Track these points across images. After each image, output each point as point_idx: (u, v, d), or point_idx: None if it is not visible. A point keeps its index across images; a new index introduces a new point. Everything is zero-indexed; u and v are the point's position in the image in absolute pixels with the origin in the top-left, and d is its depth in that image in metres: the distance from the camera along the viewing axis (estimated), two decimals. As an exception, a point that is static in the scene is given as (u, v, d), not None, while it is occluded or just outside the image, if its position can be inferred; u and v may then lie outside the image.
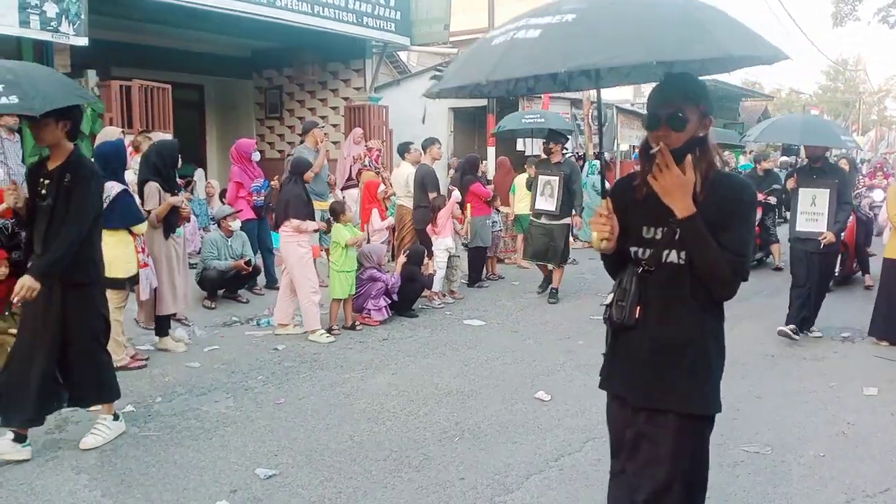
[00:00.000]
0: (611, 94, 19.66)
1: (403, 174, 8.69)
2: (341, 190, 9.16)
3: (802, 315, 6.46)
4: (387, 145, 11.82)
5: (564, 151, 8.62)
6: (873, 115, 53.40)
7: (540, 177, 8.24)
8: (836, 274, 8.09)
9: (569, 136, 8.25)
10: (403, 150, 8.96)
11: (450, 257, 8.29)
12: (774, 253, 10.53)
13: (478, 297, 8.45)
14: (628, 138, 18.13)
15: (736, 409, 4.72)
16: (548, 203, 8.10)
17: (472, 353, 6.04)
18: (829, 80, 51.96)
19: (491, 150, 12.88)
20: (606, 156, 15.80)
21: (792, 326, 6.39)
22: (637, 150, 15.66)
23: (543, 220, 8.20)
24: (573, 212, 8.27)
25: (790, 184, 6.63)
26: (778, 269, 10.10)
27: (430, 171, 8.17)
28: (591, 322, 6.79)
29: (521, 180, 10.24)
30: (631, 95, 20.21)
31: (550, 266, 8.40)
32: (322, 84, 12.88)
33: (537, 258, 8.38)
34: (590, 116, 15.08)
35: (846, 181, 6.54)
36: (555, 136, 8.42)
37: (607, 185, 2.42)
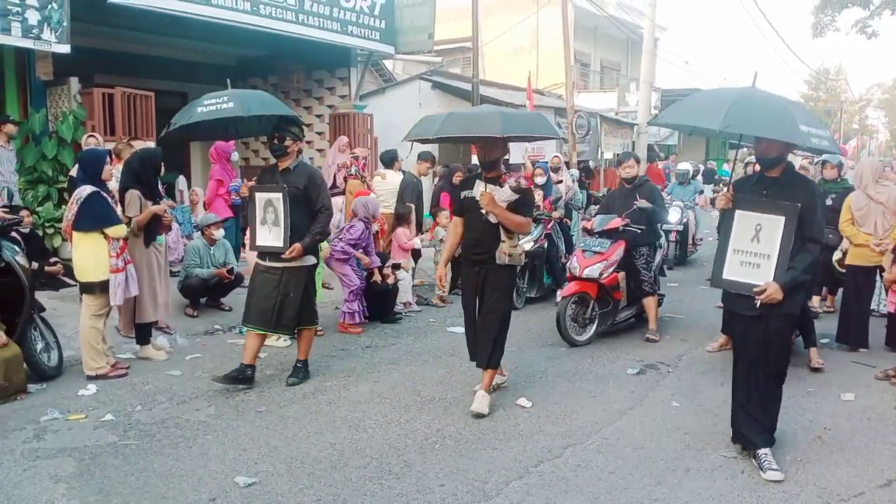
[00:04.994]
0: (596, 103, 19.86)
1: (393, 182, 8.92)
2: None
3: (758, 422, 4.02)
4: (372, 153, 11.86)
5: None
6: (854, 125, 54.01)
7: (257, 195, 5.19)
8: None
9: (301, 125, 5.56)
10: (390, 158, 9.15)
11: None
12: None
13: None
14: (612, 147, 18.29)
15: (715, 414, 4.77)
16: (273, 235, 5.13)
17: (454, 360, 6.05)
18: (810, 89, 52.47)
19: (475, 159, 12.93)
20: (591, 164, 15.88)
21: (735, 449, 4.20)
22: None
23: (269, 262, 5.22)
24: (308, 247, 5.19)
25: (721, 202, 4.14)
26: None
27: (412, 181, 8.37)
28: (574, 329, 6.79)
29: None
30: (615, 104, 20.36)
31: (283, 336, 5.95)
32: (307, 92, 12.90)
33: (263, 323, 5.19)
34: (573, 125, 15.17)
35: (815, 204, 3.87)
36: (286, 127, 5.29)
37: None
